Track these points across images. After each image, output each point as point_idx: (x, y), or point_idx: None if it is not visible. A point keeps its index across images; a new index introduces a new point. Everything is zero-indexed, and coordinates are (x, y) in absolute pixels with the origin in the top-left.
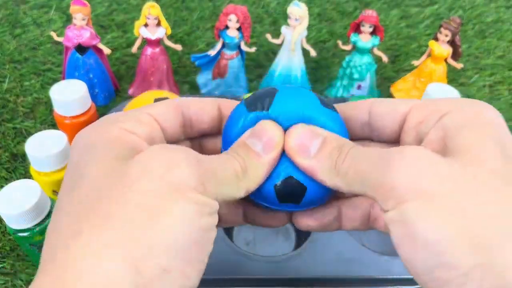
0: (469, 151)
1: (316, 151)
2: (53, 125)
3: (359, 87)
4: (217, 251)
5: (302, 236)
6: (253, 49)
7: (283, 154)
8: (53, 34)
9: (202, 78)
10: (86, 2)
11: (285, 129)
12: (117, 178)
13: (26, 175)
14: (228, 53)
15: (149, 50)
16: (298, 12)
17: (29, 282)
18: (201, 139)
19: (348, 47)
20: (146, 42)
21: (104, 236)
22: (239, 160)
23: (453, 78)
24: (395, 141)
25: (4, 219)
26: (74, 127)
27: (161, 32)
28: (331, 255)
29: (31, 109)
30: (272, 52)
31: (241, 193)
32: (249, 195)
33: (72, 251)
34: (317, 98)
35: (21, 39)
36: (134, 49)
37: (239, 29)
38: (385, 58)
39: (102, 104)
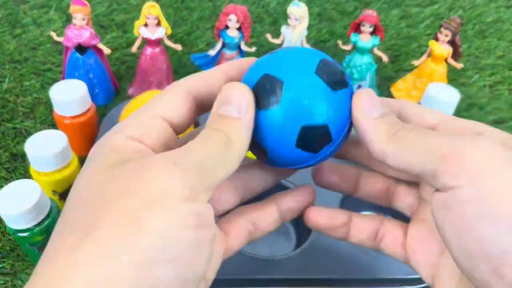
0: None
1: (379, 116)
2: (53, 125)
3: (359, 87)
4: None
5: (302, 236)
6: (253, 49)
7: (284, 106)
8: (53, 34)
9: None
10: (86, 2)
11: (293, 127)
12: (98, 195)
13: (26, 175)
14: (228, 53)
15: (149, 50)
16: (298, 12)
17: None
18: None
19: (348, 47)
20: (146, 42)
21: (76, 256)
22: (219, 135)
23: (453, 78)
24: None
25: (4, 219)
26: (74, 127)
27: (161, 32)
28: (331, 255)
29: (31, 109)
30: None
31: (235, 164)
32: (268, 160)
33: (49, 270)
34: (323, 82)
35: (21, 39)
36: (134, 49)
37: (239, 29)
38: (385, 58)
39: (102, 104)
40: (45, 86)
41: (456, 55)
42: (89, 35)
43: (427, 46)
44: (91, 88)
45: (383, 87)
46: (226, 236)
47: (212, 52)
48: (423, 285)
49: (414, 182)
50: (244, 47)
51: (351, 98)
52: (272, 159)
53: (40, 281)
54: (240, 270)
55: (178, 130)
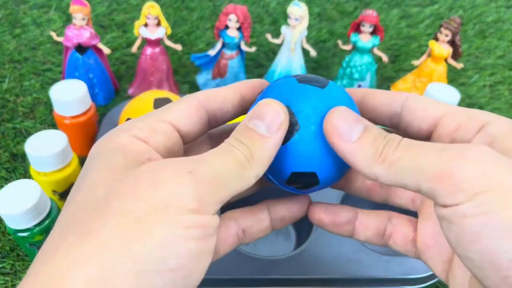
0: None
1: (358, 137)
2: (53, 125)
3: (359, 87)
4: None
5: (302, 236)
6: (253, 49)
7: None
8: (53, 34)
9: (202, 78)
10: (86, 2)
11: (313, 122)
12: (103, 196)
13: (26, 175)
14: (228, 53)
15: (149, 50)
16: (298, 12)
17: None
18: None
19: (348, 47)
20: (146, 42)
21: (74, 257)
22: (242, 149)
23: (453, 78)
24: (420, 139)
25: (4, 219)
26: (74, 127)
27: (161, 32)
28: (331, 255)
29: (31, 109)
30: (272, 52)
31: (250, 181)
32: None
33: (44, 270)
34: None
35: (21, 39)
36: (134, 49)
37: (239, 29)
38: (385, 58)
39: (102, 104)
40: (45, 86)
41: (456, 55)
42: (89, 35)
43: (427, 46)
44: (91, 88)
45: (383, 87)
46: None
47: (212, 52)
48: (423, 285)
49: None
50: (244, 47)
51: None
52: (268, 179)
53: (38, 277)
54: (240, 270)
55: (186, 139)
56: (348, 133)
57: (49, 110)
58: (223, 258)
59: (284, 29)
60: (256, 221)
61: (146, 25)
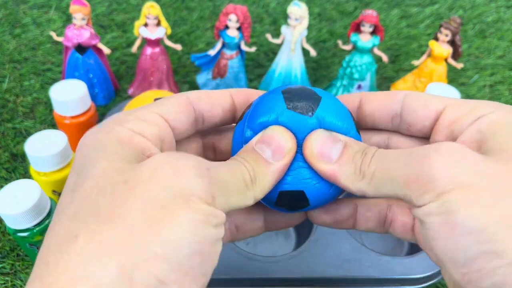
0: (504, 150)
1: (338, 156)
2: (53, 125)
3: (359, 87)
4: None
5: (302, 236)
6: (253, 49)
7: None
8: (53, 34)
9: (202, 78)
10: (86, 2)
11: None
12: (121, 181)
13: (26, 175)
14: (228, 53)
15: (149, 50)
16: (298, 12)
17: None
18: (212, 136)
19: (348, 47)
20: (146, 42)
21: (100, 242)
22: (248, 168)
23: (453, 78)
24: (424, 136)
25: (4, 219)
26: (74, 127)
27: (161, 32)
28: (331, 255)
29: (31, 109)
30: (272, 52)
31: (249, 201)
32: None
33: (66, 257)
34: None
35: (21, 39)
36: (134, 49)
37: (239, 29)
38: (385, 58)
39: (102, 104)
40: (45, 86)
41: (456, 55)
42: (89, 35)
43: (427, 46)
44: (91, 88)
45: (383, 87)
46: None
47: (212, 52)
48: (423, 285)
49: None
50: (244, 47)
51: None
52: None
53: (61, 264)
54: (240, 270)
55: (176, 134)
56: (327, 155)
57: (49, 110)
58: (223, 258)
59: (284, 29)
60: (249, 220)
61: (146, 25)
